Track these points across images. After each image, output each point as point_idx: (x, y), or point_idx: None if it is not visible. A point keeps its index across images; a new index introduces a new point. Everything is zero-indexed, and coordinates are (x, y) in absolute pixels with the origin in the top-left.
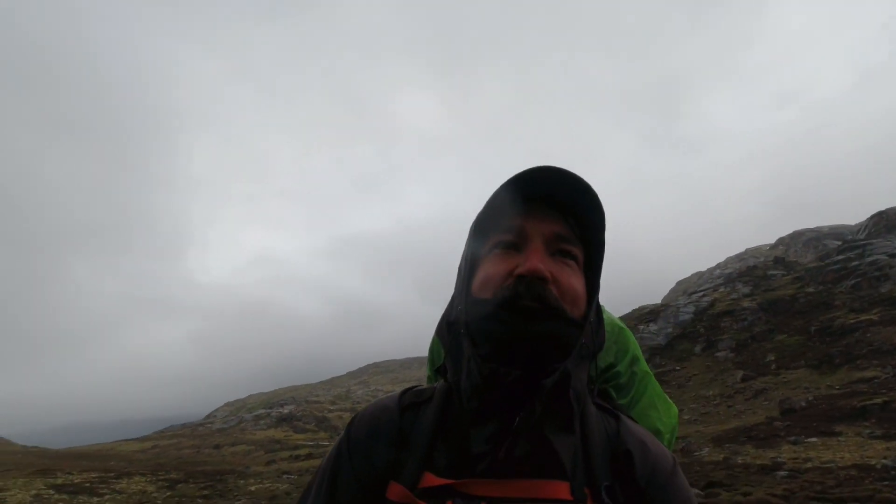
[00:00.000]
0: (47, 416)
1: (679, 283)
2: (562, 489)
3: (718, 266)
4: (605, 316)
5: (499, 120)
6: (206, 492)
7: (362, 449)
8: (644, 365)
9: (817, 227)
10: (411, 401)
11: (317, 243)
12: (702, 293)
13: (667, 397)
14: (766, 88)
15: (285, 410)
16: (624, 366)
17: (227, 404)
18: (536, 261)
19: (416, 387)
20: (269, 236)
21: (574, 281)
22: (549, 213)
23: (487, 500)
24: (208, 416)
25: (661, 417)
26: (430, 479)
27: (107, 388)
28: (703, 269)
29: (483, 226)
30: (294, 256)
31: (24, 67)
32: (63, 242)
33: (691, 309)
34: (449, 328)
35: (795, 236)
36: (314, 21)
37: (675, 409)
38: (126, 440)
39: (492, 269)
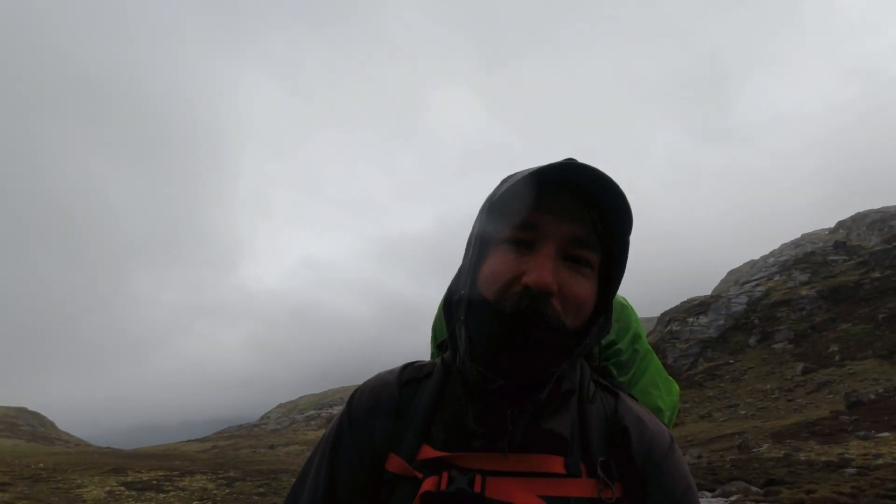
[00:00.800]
0: (118, 419)
1: (731, 273)
2: (556, 463)
3: (773, 254)
4: None
5: (542, 117)
6: (261, 489)
7: (362, 423)
8: (645, 343)
9: (883, 208)
10: (411, 376)
11: (361, 246)
12: (755, 282)
13: (668, 376)
14: (821, 69)
15: (334, 411)
16: (625, 343)
17: (280, 406)
18: (546, 272)
19: (417, 362)
20: (315, 241)
21: (582, 289)
22: (569, 210)
23: (482, 472)
24: (263, 418)
25: (663, 395)
26: (428, 452)
27: (169, 392)
28: (757, 257)
29: (499, 208)
30: (339, 260)
31: (84, 96)
32: (126, 258)
33: (744, 299)
34: (452, 310)
35: (858, 218)
36: (354, 28)
37: (676, 388)
38: (188, 440)
39: (500, 265)
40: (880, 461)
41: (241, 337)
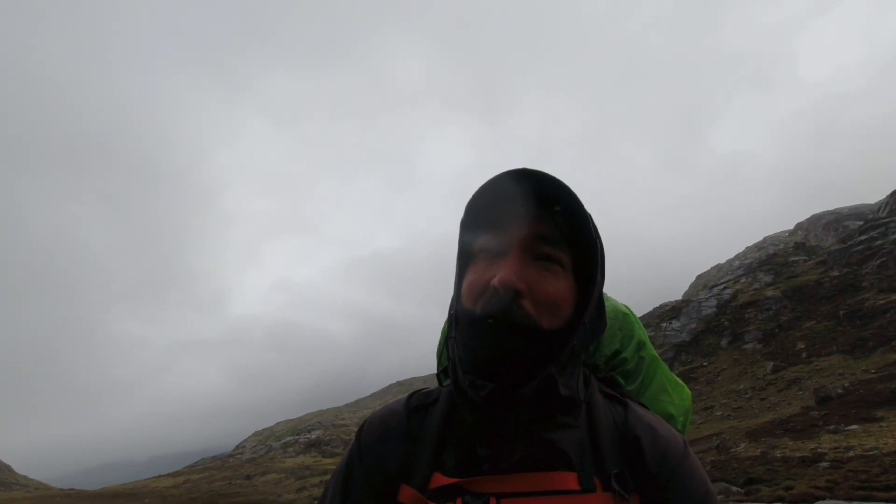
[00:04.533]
0: (83, 459)
1: (699, 278)
2: (569, 480)
3: (738, 257)
4: (607, 303)
5: (530, 152)
6: None
7: (372, 454)
8: (651, 349)
9: (836, 209)
10: (418, 403)
11: (332, 265)
12: (723, 285)
13: (678, 380)
14: (767, 77)
15: (313, 436)
16: (630, 351)
17: (256, 434)
18: (510, 272)
19: (424, 389)
20: (288, 264)
21: (554, 288)
22: (529, 212)
23: (496, 495)
24: (237, 447)
25: (674, 401)
26: (440, 480)
27: (138, 427)
28: (723, 261)
29: (467, 225)
30: (313, 280)
31: (62, 141)
32: (94, 296)
33: (713, 302)
34: (448, 331)
35: (814, 220)
36: (340, 65)
37: (687, 392)
38: (159, 476)
39: (474, 276)
40: (851, 454)
41: (213, 366)
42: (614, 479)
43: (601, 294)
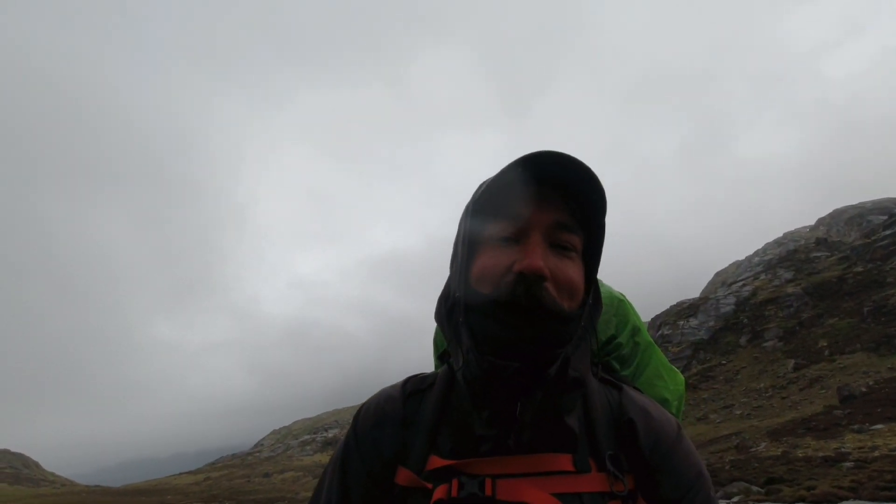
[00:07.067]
0: (107, 456)
1: (717, 275)
2: (565, 461)
3: (757, 253)
4: (603, 289)
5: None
6: None
7: (369, 439)
8: (646, 335)
9: (859, 204)
10: (414, 388)
11: (351, 266)
12: (742, 282)
13: (672, 367)
14: (793, 72)
15: (330, 434)
16: (625, 337)
17: (274, 432)
18: (537, 258)
19: (419, 374)
20: (306, 262)
21: (572, 273)
22: (550, 199)
23: (492, 476)
24: (256, 445)
25: (668, 386)
26: (436, 462)
27: (161, 425)
28: (742, 258)
29: (483, 208)
30: (330, 280)
31: (78, 151)
32: (117, 297)
33: (732, 300)
34: (448, 315)
35: (836, 215)
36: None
37: (681, 378)
38: (180, 473)
39: (490, 260)
40: (876, 453)
41: (234, 367)
42: (609, 461)
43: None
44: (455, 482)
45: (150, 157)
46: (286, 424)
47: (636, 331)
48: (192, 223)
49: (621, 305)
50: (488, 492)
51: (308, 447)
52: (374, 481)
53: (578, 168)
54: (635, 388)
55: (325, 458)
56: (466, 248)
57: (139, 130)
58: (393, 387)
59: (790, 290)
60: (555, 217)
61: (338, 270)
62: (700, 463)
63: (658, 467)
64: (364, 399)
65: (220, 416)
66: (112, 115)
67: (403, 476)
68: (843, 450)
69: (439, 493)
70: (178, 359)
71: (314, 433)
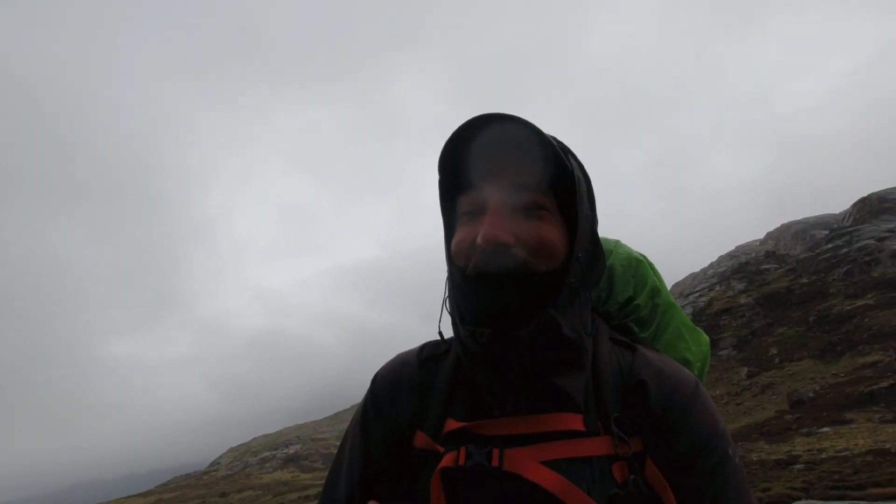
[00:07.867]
0: (48, 480)
1: (675, 286)
2: (575, 421)
3: (711, 265)
4: (622, 250)
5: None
6: None
7: (386, 402)
8: (667, 296)
9: (804, 219)
10: (430, 353)
11: (309, 277)
12: (698, 293)
13: (696, 327)
14: (739, 91)
15: (291, 451)
16: (644, 298)
17: (231, 450)
18: (492, 227)
19: (435, 339)
20: (274, 275)
21: (543, 231)
22: (500, 161)
23: (502, 437)
24: (212, 464)
25: (690, 347)
26: (452, 425)
27: (108, 445)
28: (697, 269)
29: (444, 185)
30: (296, 293)
31: (41, 165)
32: (70, 314)
33: (689, 310)
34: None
35: (783, 230)
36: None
37: (705, 338)
38: (128, 497)
39: (459, 236)
40: (824, 455)
41: (192, 381)
42: (613, 423)
43: (594, 230)
44: (463, 451)
45: (115, 170)
46: (244, 441)
47: (655, 292)
48: (159, 237)
49: (640, 266)
50: (495, 462)
51: (268, 464)
52: (394, 443)
53: (517, 125)
54: (653, 348)
55: (286, 475)
56: (444, 226)
57: (105, 142)
58: (409, 352)
59: (743, 300)
60: (510, 180)
61: (303, 283)
62: (718, 420)
63: (671, 427)
64: (326, 413)
65: (175, 434)
66: (77, 125)
67: (421, 439)
68: (793, 452)
69: (447, 460)
70: (135, 376)
71: (275, 449)
